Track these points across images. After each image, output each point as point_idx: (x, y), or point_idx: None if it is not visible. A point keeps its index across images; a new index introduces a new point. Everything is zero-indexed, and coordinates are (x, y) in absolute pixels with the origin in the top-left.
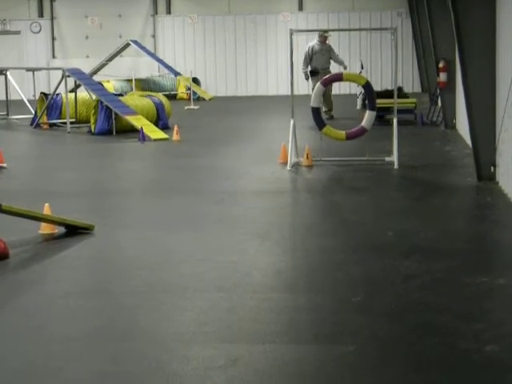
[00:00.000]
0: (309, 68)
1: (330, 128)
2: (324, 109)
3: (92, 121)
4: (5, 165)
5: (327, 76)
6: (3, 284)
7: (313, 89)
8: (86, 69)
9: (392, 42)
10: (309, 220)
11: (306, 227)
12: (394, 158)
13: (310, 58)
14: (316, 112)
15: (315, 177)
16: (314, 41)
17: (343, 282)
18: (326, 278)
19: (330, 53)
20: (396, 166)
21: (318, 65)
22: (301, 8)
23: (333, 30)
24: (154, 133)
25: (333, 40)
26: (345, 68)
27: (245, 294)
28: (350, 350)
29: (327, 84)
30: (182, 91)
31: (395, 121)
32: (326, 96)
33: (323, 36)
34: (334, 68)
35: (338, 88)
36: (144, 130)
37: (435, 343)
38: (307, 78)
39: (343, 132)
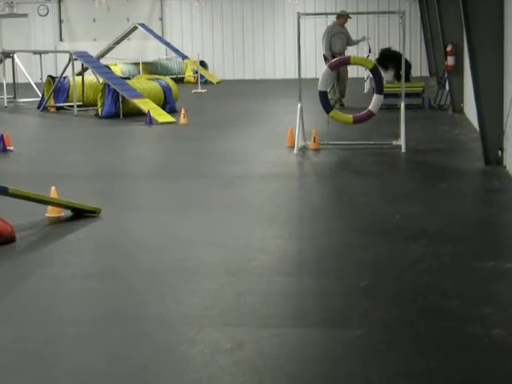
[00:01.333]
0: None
1: (337, 112)
2: (334, 95)
3: (99, 104)
4: (12, 148)
5: (334, 59)
6: (10, 267)
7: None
8: (94, 52)
9: (400, 25)
10: (316, 203)
11: (314, 211)
12: (402, 141)
13: (330, 39)
14: (323, 96)
15: (322, 160)
16: (330, 22)
17: (350, 266)
18: (334, 261)
19: (347, 36)
20: (403, 150)
21: (336, 48)
22: None
23: (341, 14)
24: (161, 116)
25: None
26: (360, 41)
27: (252, 277)
28: (357, 333)
29: (334, 68)
30: (189, 75)
31: (403, 105)
32: (341, 81)
33: (343, 17)
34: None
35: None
36: (151, 114)
37: (442, 327)
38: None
39: (350, 116)
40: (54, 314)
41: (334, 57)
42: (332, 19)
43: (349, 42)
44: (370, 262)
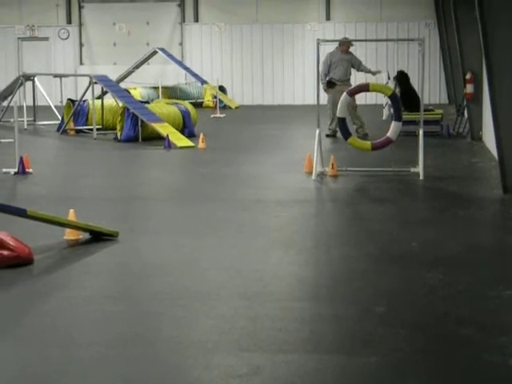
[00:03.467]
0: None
1: (355, 138)
2: (355, 126)
3: (118, 127)
4: (31, 170)
5: (354, 86)
6: (28, 289)
7: (328, 101)
8: (113, 76)
9: (419, 52)
10: (332, 230)
11: (330, 237)
12: (420, 168)
13: (328, 67)
14: (342, 122)
15: (340, 187)
16: (332, 49)
17: (366, 292)
18: (349, 287)
19: (350, 63)
20: (421, 177)
21: (336, 76)
22: (328, 18)
23: (360, 41)
24: (180, 140)
25: (360, 50)
26: (373, 74)
27: (267, 302)
28: (371, 360)
29: (353, 94)
30: (208, 99)
31: (421, 132)
32: (351, 110)
33: (346, 44)
34: (360, 79)
35: (364, 98)
36: (170, 138)
37: (459, 355)
38: (326, 90)
39: (369, 142)
40: (69, 336)
41: (330, 84)
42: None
43: (356, 66)
44: (385, 288)
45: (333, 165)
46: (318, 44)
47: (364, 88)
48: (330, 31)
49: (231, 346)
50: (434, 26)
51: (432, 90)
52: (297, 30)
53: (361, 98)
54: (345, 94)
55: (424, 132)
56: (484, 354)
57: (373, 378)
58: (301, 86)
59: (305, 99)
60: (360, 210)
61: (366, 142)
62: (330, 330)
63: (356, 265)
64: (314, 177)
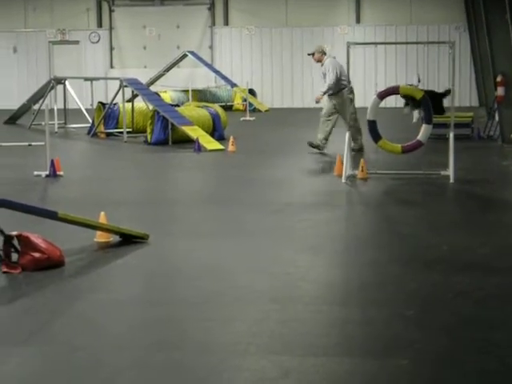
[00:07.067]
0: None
1: (385, 141)
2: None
3: (148, 131)
4: (62, 173)
5: (384, 89)
6: (58, 291)
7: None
8: (144, 79)
9: (450, 55)
10: (362, 233)
11: (359, 240)
12: (450, 171)
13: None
14: (371, 125)
15: (370, 190)
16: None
17: (396, 296)
18: (379, 291)
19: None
20: (452, 180)
21: (346, 81)
22: (358, 21)
23: (390, 43)
24: (210, 143)
25: (390, 53)
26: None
27: (297, 306)
28: (402, 364)
29: (383, 97)
30: (238, 102)
31: (451, 135)
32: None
33: (317, 52)
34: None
35: (394, 101)
36: (200, 141)
37: (490, 359)
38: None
39: (399, 145)
40: (98, 339)
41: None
42: (381, 49)
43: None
44: (415, 292)
45: (363, 167)
46: (349, 47)
47: (394, 91)
48: (360, 34)
49: (261, 349)
50: (465, 28)
51: (463, 92)
52: (326, 32)
53: (390, 102)
54: (375, 96)
55: (454, 135)
56: None
57: (404, 382)
58: None
59: None
60: (390, 213)
61: (396, 145)
62: (360, 334)
63: (386, 268)
64: (343, 180)
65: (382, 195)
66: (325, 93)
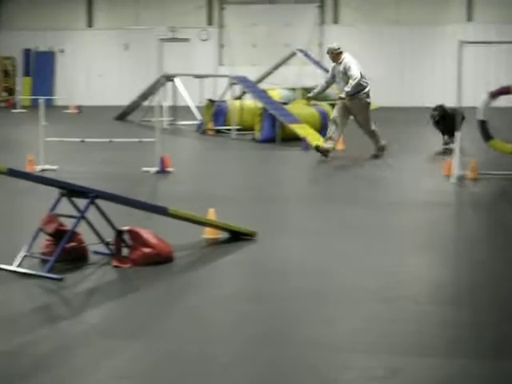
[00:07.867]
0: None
1: (497, 141)
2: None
3: (256, 128)
4: (171, 169)
5: (497, 89)
6: (168, 287)
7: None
8: (253, 76)
9: None
10: (473, 233)
11: (470, 240)
12: None
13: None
14: (482, 124)
15: (480, 190)
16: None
17: (508, 298)
18: (491, 292)
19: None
20: None
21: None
22: (470, 18)
23: (504, 43)
24: (318, 142)
25: (508, 53)
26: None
27: (406, 305)
28: None
29: (495, 96)
30: None
31: None
32: (366, 129)
33: (333, 53)
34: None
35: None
36: (308, 139)
37: None
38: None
39: (510, 146)
40: (206, 334)
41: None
42: (491, 48)
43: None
44: None
45: (473, 168)
46: (461, 46)
47: (506, 90)
48: (471, 33)
49: (369, 347)
50: None
51: None
52: (437, 31)
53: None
54: (486, 96)
55: None
56: None
57: None
58: (441, 88)
59: (445, 101)
60: (502, 214)
61: (508, 145)
62: (472, 336)
63: (498, 270)
64: (453, 180)
65: (494, 196)
66: (353, 87)
